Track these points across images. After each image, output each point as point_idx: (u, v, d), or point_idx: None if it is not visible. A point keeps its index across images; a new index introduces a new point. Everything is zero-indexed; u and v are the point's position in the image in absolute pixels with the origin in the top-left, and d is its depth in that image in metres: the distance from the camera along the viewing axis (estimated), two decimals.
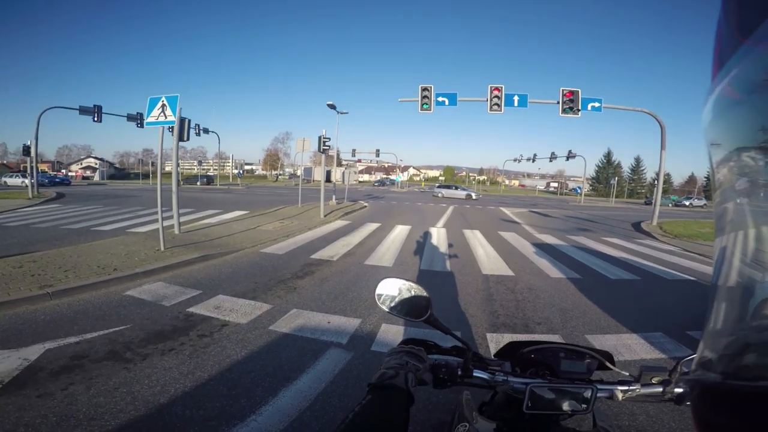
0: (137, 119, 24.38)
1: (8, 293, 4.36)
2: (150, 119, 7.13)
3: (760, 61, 0.39)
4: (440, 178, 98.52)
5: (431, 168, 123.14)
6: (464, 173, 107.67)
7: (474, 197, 34.81)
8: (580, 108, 16.49)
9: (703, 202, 52.61)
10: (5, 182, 34.11)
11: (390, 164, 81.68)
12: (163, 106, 6.98)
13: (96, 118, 23.39)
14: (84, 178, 57.69)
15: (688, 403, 0.82)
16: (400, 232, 11.00)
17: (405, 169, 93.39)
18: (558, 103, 16.67)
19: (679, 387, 0.85)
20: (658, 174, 18.69)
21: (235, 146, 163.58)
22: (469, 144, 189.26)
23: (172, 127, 7.96)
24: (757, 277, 0.43)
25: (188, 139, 8.58)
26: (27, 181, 20.62)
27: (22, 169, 33.51)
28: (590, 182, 68.14)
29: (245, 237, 8.83)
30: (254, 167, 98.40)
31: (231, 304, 4.57)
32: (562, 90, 16.61)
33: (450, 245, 9.18)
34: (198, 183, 45.18)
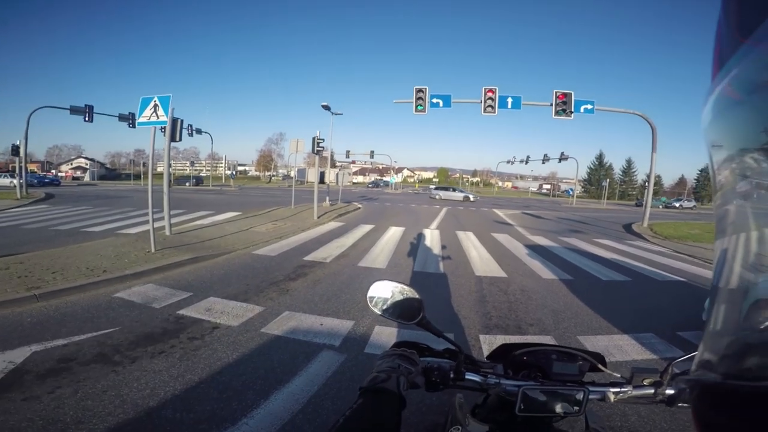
0: (129, 119, 24.16)
1: None
2: (142, 119, 7.05)
3: (761, 61, 0.39)
4: (434, 179, 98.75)
5: (425, 169, 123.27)
6: (458, 175, 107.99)
7: (472, 199, 34.85)
8: (572, 110, 16.63)
9: (692, 203, 53.42)
10: None
11: (384, 166, 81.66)
12: (156, 106, 6.91)
13: (87, 118, 23.12)
14: (74, 178, 56.89)
15: (680, 404, 0.83)
16: (393, 233, 11.00)
17: (399, 170, 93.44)
18: (551, 105, 16.79)
19: (671, 389, 0.85)
20: (648, 176, 18.92)
21: (228, 147, 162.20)
22: (462, 145, 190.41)
23: (164, 128, 7.89)
24: (758, 278, 0.43)
25: (180, 139, 8.51)
26: (15, 181, 20.34)
27: (10, 169, 32.94)
28: (582, 184, 68.85)
29: (237, 238, 8.76)
30: (247, 168, 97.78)
31: (222, 306, 4.53)
32: (555, 92, 16.74)
33: (443, 247, 9.20)
34: (187, 184, 44.60)
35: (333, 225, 12.30)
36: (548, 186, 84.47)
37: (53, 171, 56.32)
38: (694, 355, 0.86)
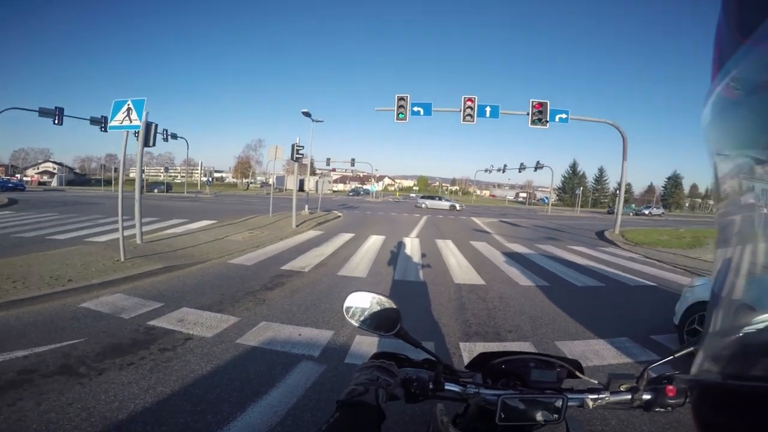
0: (101, 123, 23.33)
1: None
2: (114, 123, 6.81)
3: (761, 61, 0.39)
4: (414, 188, 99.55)
5: (406, 178, 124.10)
6: (437, 183, 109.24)
7: (458, 208, 34.91)
8: (548, 119, 17.03)
9: (661, 211, 55.72)
10: None
11: (365, 174, 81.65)
12: (129, 109, 6.69)
13: (57, 121, 22.28)
14: (40, 183, 54.48)
15: (657, 409, 0.85)
16: (374, 242, 10.96)
17: (380, 178, 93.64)
18: (528, 114, 17.16)
19: (647, 394, 0.86)
20: (619, 184, 19.61)
21: (204, 153, 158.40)
22: (442, 154, 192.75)
23: (138, 132, 7.65)
24: (757, 286, 0.43)
25: (154, 144, 8.29)
26: None
27: None
28: (557, 192, 70.64)
29: (212, 247, 8.54)
30: (224, 175, 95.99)
31: (195, 317, 4.38)
32: (532, 101, 17.11)
33: (423, 255, 9.23)
34: (156, 190, 43.13)
35: (312, 234, 12.17)
36: (524, 194, 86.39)
37: (18, 175, 53.82)
38: (668, 361, 0.88)
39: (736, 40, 0.42)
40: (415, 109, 17.68)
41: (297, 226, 13.23)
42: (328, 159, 49.10)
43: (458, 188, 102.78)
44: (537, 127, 17.21)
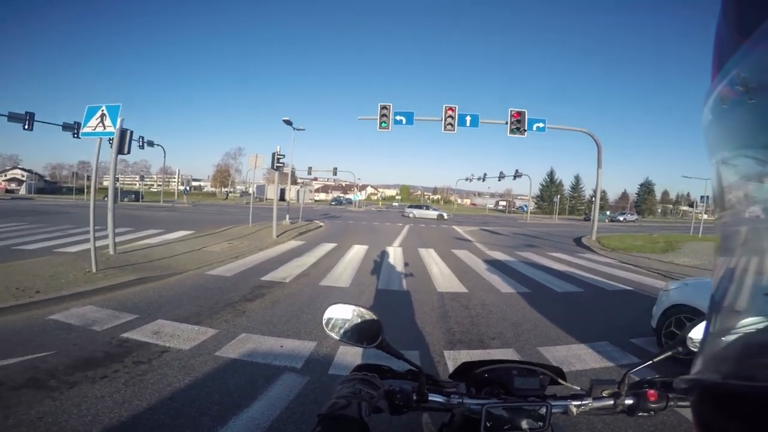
0: (74, 129, 22.40)
1: None
2: (87, 129, 6.58)
3: (760, 61, 0.39)
4: (397, 197, 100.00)
5: (388, 187, 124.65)
6: (420, 192, 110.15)
7: (445, 217, 34.95)
8: (526, 128, 17.38)
9: (635, 217, 57.67)
10: None
11: (347, 183, 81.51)
12: (103, 115, 6.48)
13: (27, 126, 21.33)
14: (8, 191, 52.07)
15: (640, 414, 0.86)
16: (357, 251, 10.89)
17: (363, 187, 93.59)
18: (506, 123, 17.49)
19: (629, 399, 0.87)
20: (595, 191, 20.19)
21: (182, 161, 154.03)
22: (424, 163, 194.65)
23: (112, 139, 7.42)
24: (757, 296, 0.43)
25: (129, 152, 8.04)
26: None
27: None
28: (535, 200, 72.19)
29: (189, 258, 8.31)
30: (203, 184, 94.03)
31: (172, 329, 4.24)
32: (510, 111, 17.45)
33: (406, 264, 9.23)
34: (125, 199, 41.33)
35: (293, 244, 12.01)
36: (504, 203, 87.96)
37: None
38: (647, 365, 0.89)
39: (736, 40, 0.42)
40: (398, 118, 17.80)
41: (278, 236, 13.03)
42: (310, 168, 48.83)
43: (440, 197, 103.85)
44: (515, 136, 17.53)
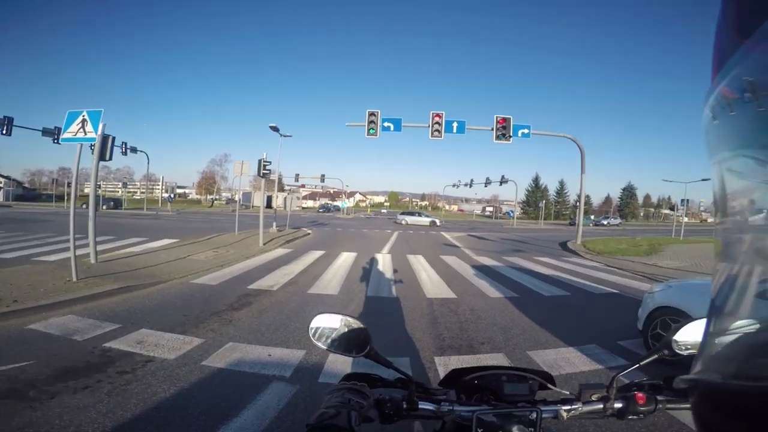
0: (54, 134, 21.57)
1: None
2: (67, 135, 6.41)
3: (760, 61, 0.39)
4: (385, 203, 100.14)
5: (377, 193, 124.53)
6: (408, 199, 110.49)
7: (438, 223, 34.89)
8: (511, 134, 17.55)
9: (618, 221, 58.84)
10: None
11: (335, 190, 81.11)
12: (84, 121, 6.32)
13: (5, 131, 20.55)
14: None
15: (629, 417, 0.87)
16: (345, 259, 10.83)
17: (351, 194, 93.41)
18: (492, 129, 17.63)
19: (618, 402, 0.88)
20: (579, 196, 20.55)
21: (166, 168, 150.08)
22: (412, 170, 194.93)
23: (93, 145, 7.25)
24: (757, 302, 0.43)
25: (111, 158, 7.86)
26: None
27: None
28: (521, 206, 72.97)
29: (173, 267, 8.14)
30: (187, 191, 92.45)
31: (156, 338, 4.14)
32: (496, 117, 17.61)
33: (395, 271, 9.21)
34: (104, 207, 39.98)
35: (280, 252, 11.88)
36: (491, 208, 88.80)
37: None
38: (635, 368, 0.89)
39: (736, 41, 0.42)
40: (386, 124, 17.81)
41: (264, 244, 12.88)
42: (297, 175, 48.63)
43: (428, 203, 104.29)
44: (501, 142, 17.70)
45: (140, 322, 4.65)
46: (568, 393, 0.94)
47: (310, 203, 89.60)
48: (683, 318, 3.73)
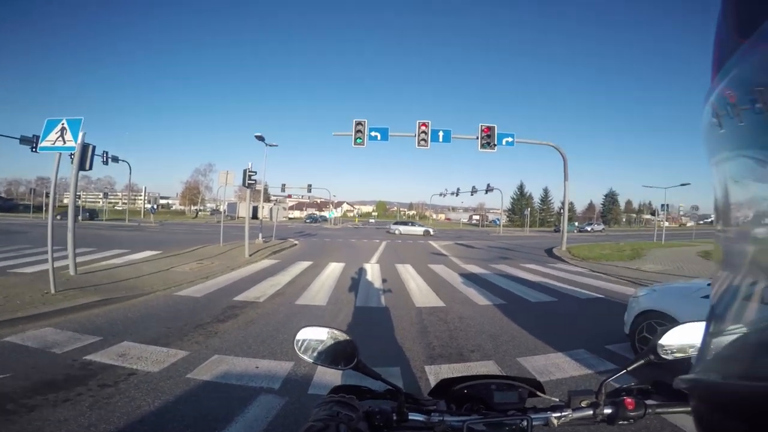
0: (33, 142, 20.55)
1: None
2: (45, 144, 6.25)
3: (760, 61, 0.39)
4: (373, 213, 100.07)
5: (364, 203, 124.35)
6: (396, 208, 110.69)
7: (431, 233, 34.86)
8: (496, 143, 17.78)
9: (601, 227, 59.97)
10: None
11: (322, 200, 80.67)
12: (63, 129, 6.17)
13: None
14: None
15: (620, 422, 0.87)
16: (333, 269, 10.75)
17: (338, 204, 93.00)
18: (477, 138, 17.84)
19: (608, 408, 0.88)
20: (563, 203, 20.90)
21: (149, 178, 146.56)
22: (399, 179, 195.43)
23: (73, 154, 7.08)
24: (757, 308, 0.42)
25: (91, 168, 7.69)
26: None
27: None
28: (507, 214, 73.80)
29: (156, 279, 7.96)
30: (171, 202, 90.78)
31: (139, 351, 4.04)
32: (481, 126, 17.84)
33: (384, 280, 9.18)
34: (79, 218, 38.98)
35: (267, 263, 11.73)
36: (477, 217, 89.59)
37: None
38: (623, 373, 0.89)
39: (736, 41, 0.42)
40: (373, 134, 17.88)
41: (250, 255, 12.70)
42: (284, 185, 48.25)
43: (415, 213, 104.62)
44: (486, 150, 17.93)
45: (122, 335, 4.54)
46: (557, 400, 0.94)
47: (297, 214, 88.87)
48: (668, 321, 3.80)
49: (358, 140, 17.74)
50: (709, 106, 0.47)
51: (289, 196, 72.89)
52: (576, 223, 60.14)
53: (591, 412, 0.88)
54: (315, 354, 0.95)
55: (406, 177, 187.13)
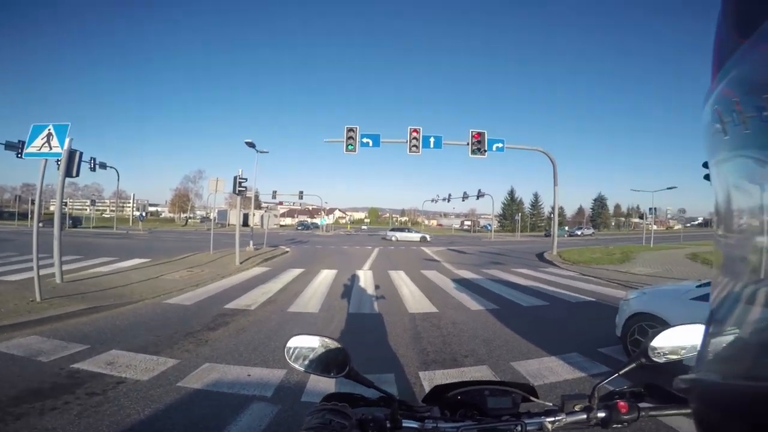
0: (18, 148, 20.05)
1: None
2: (31, 150, 6.16)
3: (760, 61, 0.39)
4: (365, 220, 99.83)
5: (356, 210, 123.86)
6: (388, 215, 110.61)
7: (428, 239, 34.78)
8: (486, 148, 17.89)
9: (591, 231, 60.57)
10: None
11: (314, 207, 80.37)
12: (50, 135, 6.09)
13: None
14: None
15: (614, 426, 0.87)
16: (325, 276, 10.69)
17: (330, 211, 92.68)
18: (468, 144, 17.94)
19: (601, 411, 0.88)
20: (553, 208, 21.10)
21: (137, 185, 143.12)
22: (391, 186, 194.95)
23: (59, 160, 6.97)
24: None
25: (78, 174, 7.61)
26: None
27: None
28: (498, 219, 74.22)
29: (145, 287, 7.84)
30: (160, 209, 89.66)
31: (128, 359, 3.98)
32: (471, 132, 17.93)
33: (377, 287, 9.15)
34: (64, 225, 38.35)
35: (258, 270, 11.63)
36: (469, 222, 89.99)
37: None
38: (615, 377, 0.90)
39: (736, 40, 0.43)
40: (365, 140, 17.86)
41: (241, 262, 12.58)
42: (275, 192, 47.92)
43: (407, 219, 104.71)
44: (477, 156, 18.03)
45: (110, 343, 4.47)
46: (551, 404, 0.94)
47: (288, 221, 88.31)
48: (659, 323, 3.84)
49: (350, 147, 17.73)
50: (712, 109, 0.47)
51: (281, 203, 72.60)
52: (566, 228, 60.69)
53: (585, 416, 0.88)
54: (306, 362, 0.94)
55: (398, 183, 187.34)
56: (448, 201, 50.69)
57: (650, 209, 29.23)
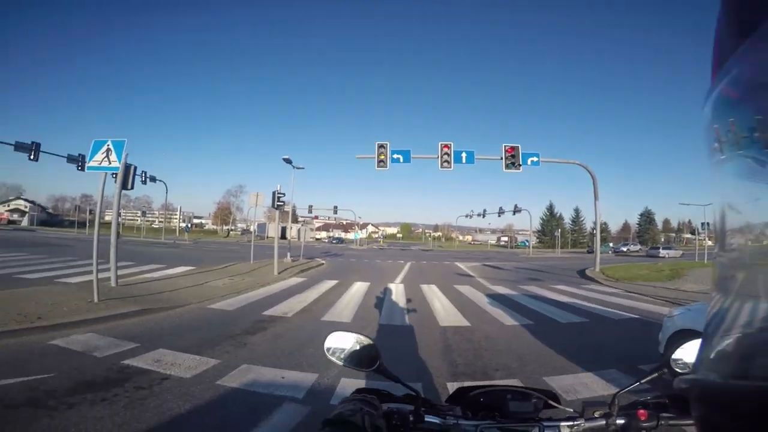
0: (78, 161, 21.50)
1: None
2: (92, 163, 6.77)
3: (760, 61, 0.40)
4: (398, 235, 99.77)
5: (389, 225, 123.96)
6: (420, 230, 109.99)
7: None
8: (521, 163, 17.39)
9: (638, 247, 56.90)
10: None
11: (348, 221, 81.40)
12: (108, 150, 6.67)
13: (32, 157, 20.82)
14: (10, 221, 52.33)
15: None
16: (358, 288, 10.81)
17: (364, 226, 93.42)
18: (501, 158, 17.52)
19: (621, 419, 0.89)
20: (595, 223, 20.21)
21: (184, 198, 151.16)
22: (423, 201, 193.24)
23: (116, 174, 7.59)
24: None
25: (132, 187, 8.23)
26: None
27: None
28: (536, 235, 71.54)
29: (191, 292, 8.28)
30: (204, 221, 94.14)
31: (173, 358, 4.25)
32: (504, 146, 17.52)
33: (408, 300, 9.13)
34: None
35: (295, 280, 11.95)
36: (506, 238, 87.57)
37: None
38: (636, 385, 0.93)
39: (736, 40, 0.43)
40: (395, 156, 17.84)
41: (279, 273, 12.99)
42: (311, 206, 48.97)
43: (441, 234, 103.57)
44: (511, 171, 17.60)
45: (158, 343, 4.76)
46: (572, 411, 0.95)
47: (323, 234, 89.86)
48: None
49: (381, 163, 17.71)
50: (709, 106, 0.48)
51: (316, 218, 74.07)
52: (611, 244, 57.58)
53: (604, 422, 0.89)
54: (342, 356, 1.03)
55: (430, 198, 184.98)
56: (483, 216, 49.82)
57: (702, 224, 27.37)
